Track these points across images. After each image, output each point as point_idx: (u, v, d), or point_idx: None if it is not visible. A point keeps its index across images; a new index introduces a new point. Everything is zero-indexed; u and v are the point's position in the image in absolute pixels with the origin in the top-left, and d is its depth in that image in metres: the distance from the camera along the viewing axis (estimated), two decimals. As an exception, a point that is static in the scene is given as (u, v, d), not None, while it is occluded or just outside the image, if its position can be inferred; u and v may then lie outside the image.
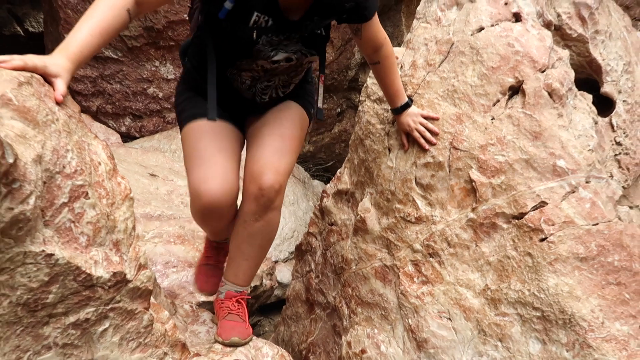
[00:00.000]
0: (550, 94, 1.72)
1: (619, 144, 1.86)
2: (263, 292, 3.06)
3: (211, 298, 2.03)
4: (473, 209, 1.73)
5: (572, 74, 1.80)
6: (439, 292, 1.77)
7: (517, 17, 1.87)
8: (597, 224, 1.59)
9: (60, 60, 1.14)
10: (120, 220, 1.20)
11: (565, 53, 1.84)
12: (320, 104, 1.71)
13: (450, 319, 1.74)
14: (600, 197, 1.63)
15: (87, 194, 1.10)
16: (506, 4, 1.90)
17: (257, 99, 1.74)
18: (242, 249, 1.72)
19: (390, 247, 1.92)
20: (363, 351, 1.91)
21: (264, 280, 3.03)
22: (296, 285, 2.59)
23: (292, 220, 3.86)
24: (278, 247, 3.65)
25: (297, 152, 1.76)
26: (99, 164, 1.19)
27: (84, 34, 1.19)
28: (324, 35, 1.62)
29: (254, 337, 1.76)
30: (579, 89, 1.84)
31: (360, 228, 2.04)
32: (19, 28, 6.07)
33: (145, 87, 4.46)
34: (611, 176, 1.77)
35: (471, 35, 1.86)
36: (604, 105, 1.92)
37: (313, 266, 2.45)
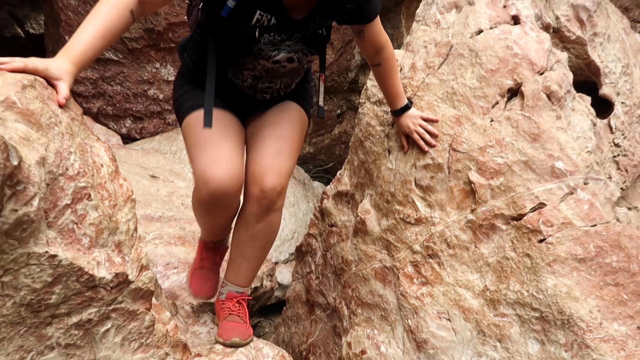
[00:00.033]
0: (548, 96, 1.73)
1: (617, 145, 1.87)
2: (263, 293, 3.06)
3: (210, 300, 2.03)
4: (472, 211, 1.74)
5: (571, 76, 1.81)
6: (438, 293, 1.78)
7: (515, 20, 1.88)
8: (596, 225, 1.60)
9: (63, 63, 1.15)
10: (122, 221, 1.21)
11: (563, 55, 1.85)
12: (321, 102, 1.71)
13: (449, 319, 1.74)
14: (598, 198, 1.64)
15: (89, 195, 1.11)
16: (505, 6, 1.90)
17: (258, 97, 1.74)
18: (243, 250, 1.73)
19: (390, 248, 1.93)
20: (363, 352, 1.91)
21: (265, 282, 3.03)
22: (296, 286, 2.60)
23: (293, 221, 3.86)
24: (278, 248, 3.65)
25: (298, 154, 1.77)
26: (102, 166, 1.20)
27: (87, 36, 1.20)
28: (325, 35, 1.63)
29: (255, 338, 1.77)
30: (578, 91, 1.85)
31: (360, 229, 2.04)
32: (19, 30, 6.07)
33: (145, 88, 4.47)
34: (610, 178, 1.78)
35: (470, 37, 1.87)
36: (603, 107, 1.93)
37: (313, 267, 2.45)
